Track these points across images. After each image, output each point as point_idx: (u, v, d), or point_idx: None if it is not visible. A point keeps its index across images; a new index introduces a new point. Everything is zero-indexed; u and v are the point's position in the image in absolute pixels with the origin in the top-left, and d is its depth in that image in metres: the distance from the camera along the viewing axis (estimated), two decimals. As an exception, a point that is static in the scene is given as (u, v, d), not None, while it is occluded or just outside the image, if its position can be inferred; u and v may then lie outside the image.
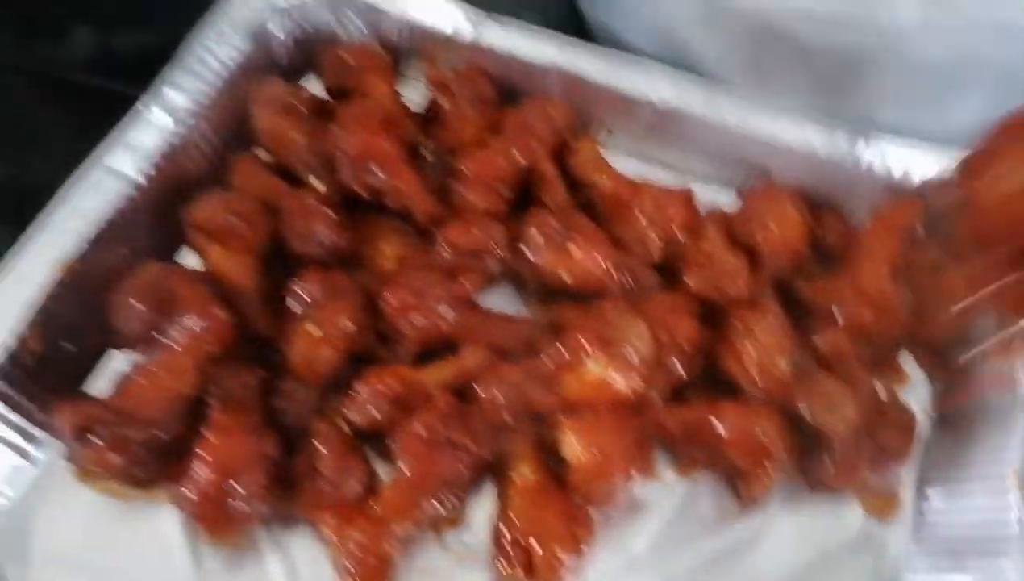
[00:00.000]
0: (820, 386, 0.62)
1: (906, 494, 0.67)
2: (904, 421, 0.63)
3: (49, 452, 0.63)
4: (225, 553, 0.61)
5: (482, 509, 0.64)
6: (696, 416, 0.64)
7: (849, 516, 0.66)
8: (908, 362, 0.72)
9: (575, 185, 0.77)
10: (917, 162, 0.72)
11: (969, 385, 0.68)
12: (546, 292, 0.70)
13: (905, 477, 0.67)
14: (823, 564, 0.64)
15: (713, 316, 0.68)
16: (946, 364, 0.71)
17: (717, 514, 0.66)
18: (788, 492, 0.66)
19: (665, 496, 0.66)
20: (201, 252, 0.68)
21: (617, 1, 0.85)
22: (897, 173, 0.73)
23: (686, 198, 0.73)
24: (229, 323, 0.62)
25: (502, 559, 0.58)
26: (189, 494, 0.57)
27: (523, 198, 0.75)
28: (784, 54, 0.75)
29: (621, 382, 0.62)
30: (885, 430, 0.62)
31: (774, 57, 0.76)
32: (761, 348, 0.63)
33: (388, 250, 0.74)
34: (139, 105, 0.70)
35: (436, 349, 0.67)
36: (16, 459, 0.62)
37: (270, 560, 0.61)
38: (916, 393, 0.71)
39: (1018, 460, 0.61)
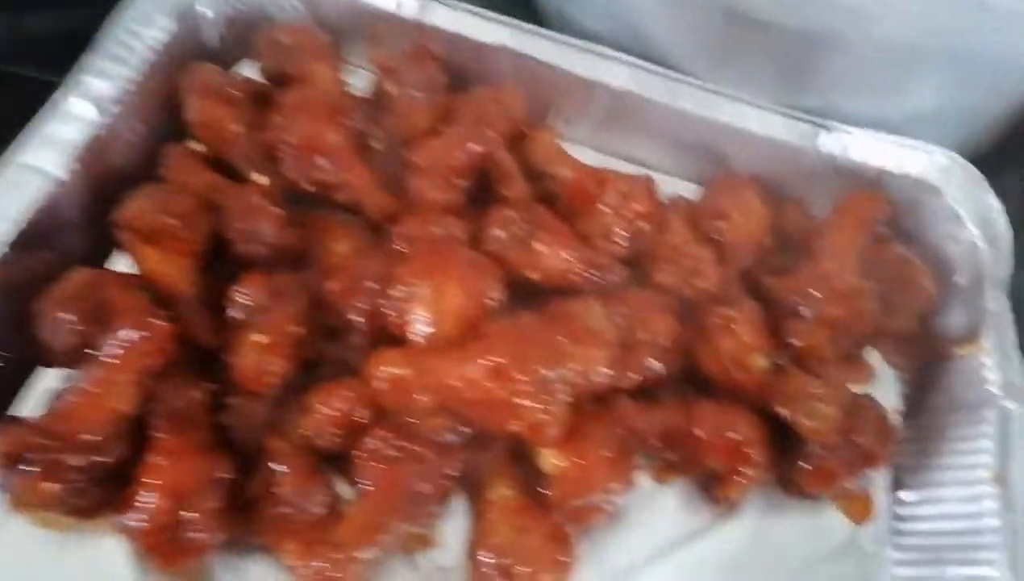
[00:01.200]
0: (799, 386, 0.60)
1: (880, 496, 0.67)
2: (882, 424, 0.63)
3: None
4: (174, 582, 0.56)
5: (454, 527, 0.61)
6: (672, 417, 0.62)
7: (827, 520, 0.66)
8: (874, 359, 0.72)
9: (533, 176, 0.73)
10: (878, 153, 0.72)
11: (938, 381, 0.68)
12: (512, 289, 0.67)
13: (878, 478, 0.67)
14: (804, 570, 0.63)
15: (686, 312, 0.66)
16: (914, 359, 0.71)
17: (696, 522, 0.64)
18: (765, 497, 0.65)
19: (643, 505, 0.64)
20: (134, 255, 0.62)
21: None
22: (858, 163, 0.72)
23: (649, 188, 0.71)
24: (170, 333, 0.57)
25: (482, 581, 0.55)
26: (137, 524, 0.52)
27: (479, 189, 0.72)
28: (745, 38, 0.73)
29: (587, 374, 0.59)
30: (863, 433, 0.61)
31: (735, 42, 0.74)
32: (739, 345, 0.62)
33: (338, 248, 0.69)
34: (56, 95, 0.63)
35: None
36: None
37: (221, 585, 0.57)
38: (884, 390, 0.70)
39: (991, 459, 0.61)
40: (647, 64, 0.74)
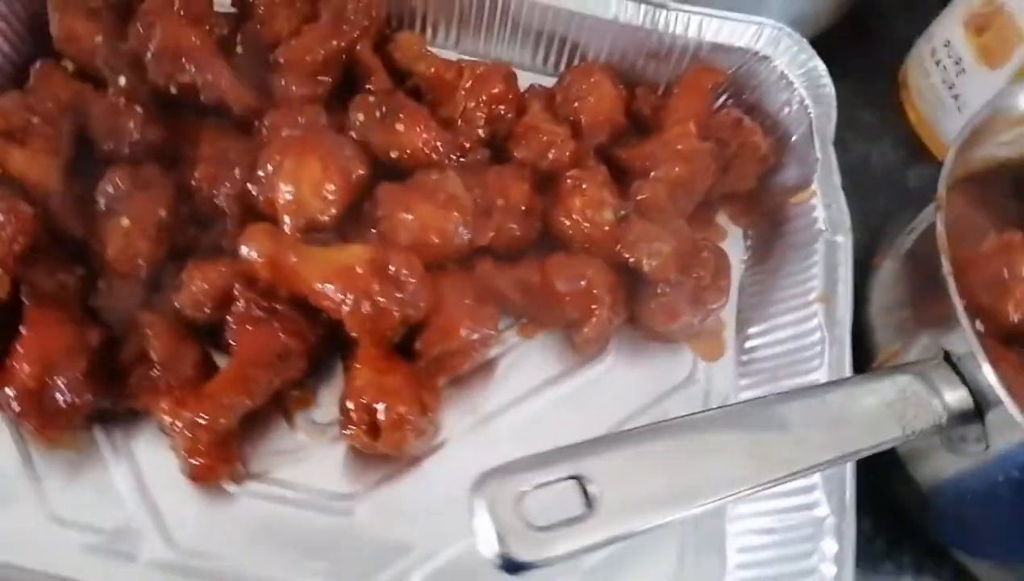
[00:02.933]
0: (638, 230, 0.65)
1: (729, 335, 0.72)
2: (719, 260, 0.68)
3: None
4: (64, 465, 0.59)
5: (330, 390, 0.64)
6: (529, 273, 0.67)
7: (680, 360, 0.70)
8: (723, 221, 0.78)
9: (398, 77, 0.77)
10: (713, 28, 0.77)
11: (777, 230, 0.74)
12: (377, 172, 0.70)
13: (728, 320, 0.72)
14: (655, 403, 0.68)
15: (542, 184, 0.70)
16: (756, 216, 0.77)
17: (559, 368, 0.68)
18: (621, 342, 0.70)
19: (509, 359, 0.68)
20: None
21: None
22: (696, 40, 0.77)
23: (506, 74, 0.75)
24: (33, 216, 0.59)
25: (349, 425, 0.58)
26: (9, 392, 0.54)
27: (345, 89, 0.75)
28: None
29: (446, 233, 0.63)
30: (702, 269, 0.66)
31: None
32: (587, 202, 0.66)
33: (204, 149, 0.71)
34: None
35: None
36: None
37: (113, 467, 0.59)
38: (733, 246, 0.76)
39: (819, 284, 0.66)
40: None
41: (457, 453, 0.63)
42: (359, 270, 0.57)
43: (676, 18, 0.76)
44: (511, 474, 0.40)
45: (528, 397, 0.66)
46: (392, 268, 0.58)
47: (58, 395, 0.55)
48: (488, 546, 0.38)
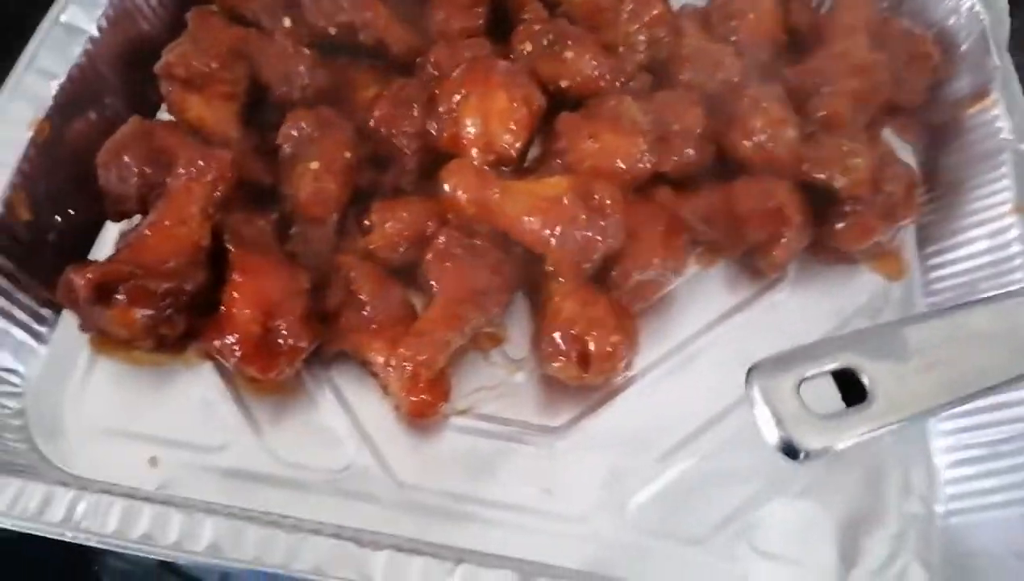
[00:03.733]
0: (829, 146, 0.63)
1: (910, 254, 0.70)
2: (906, 175, 0.65)
3: (60, 329, 0.60)
4: (272, 402, 0.60)
5: (519, 325, 0.64)
6: (711, 199, 0.65)
7: (862, 280, 0.69)
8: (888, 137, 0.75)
9: (549, 5, 0.75)
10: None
11: (952, 143, 0.71)
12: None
13: (907, 238, 0.70)
14: (841, 324, 0.67)
15: (712, 105, 0.68)
16: (926, 130, 0.74)
17: (742, 296, 0.68)
18: (801, 267, 0.68)
19: (692, 289, 0.67)
20: (179, 105, 0.63)
21: None
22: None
23: (660, -5, 0.72)
24: (231, 161, 0.59)
25: (558, 357, 0.58)
26: (231, 339, 0.55)
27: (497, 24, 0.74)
28: None
29: (631, 159, 0.62)
30: (892, 183, 0.64)
31: None
32: (769, 122, 0.64)
33: (368, 92, 0.71)
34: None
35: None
36: (25, 338, 0.58)
37: (320, 399, 0.60)
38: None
39: (1012, 195, 0.64)
40: None
41: (653, 383, 0.63)
42: (565, 201, 0.56)
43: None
44: (786, 364, 0.39)
45: (715, 325, 0.66)
46: (595, 199, 0.57)
47: (279, 339, 0.55)
48: (771, 433, 0.37)
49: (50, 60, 0.60)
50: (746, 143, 0.66)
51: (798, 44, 0.75)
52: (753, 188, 0.65)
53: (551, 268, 0.59)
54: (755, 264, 0.67)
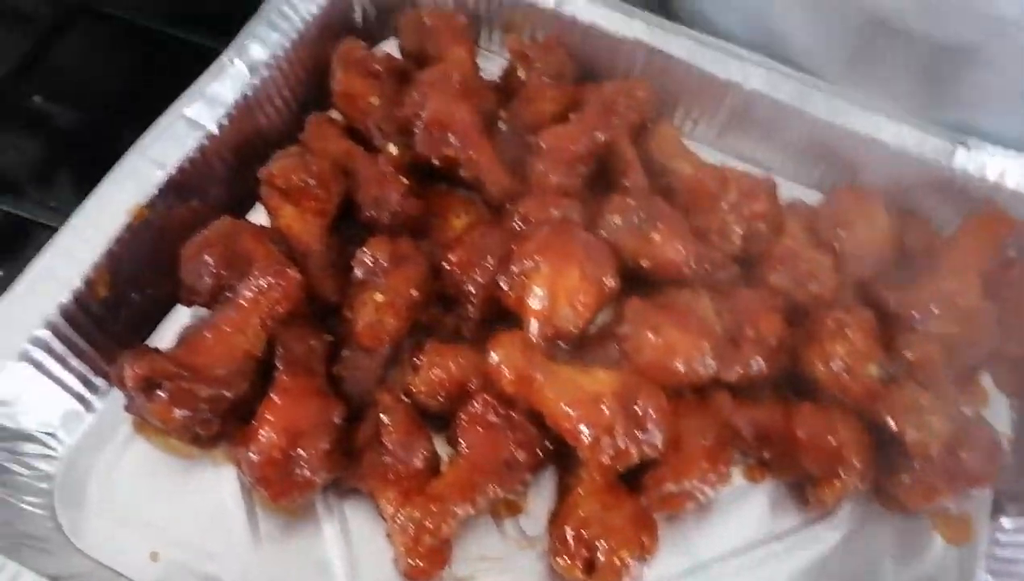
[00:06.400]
0: (910, 397, 0.59)
1: (980, 519, 0.64)
2: (989, 443, 0.60)
3: (107, 401, 0.62)
4: (281, 518, 0.60)
5: (542, 498, 0.62)
6: (771, 415, 0.62)
7: (920, 538, 0.64)
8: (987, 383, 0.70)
9: (652, 169, 0.74)
10: (1014, 173, 0.69)
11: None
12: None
13: (979, 500, 0.64)
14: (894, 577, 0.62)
15: (795, 316, 0.65)
16: (1027, 381, 0.68)
17: (785, 523, 0.63)
18: (857, 507, 0.64)
19: (732, 501, 0.64)
20: (273, 211, 0.66)
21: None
22: (992, 183, 0.70)
23: (769, 189, 0.70)
24: (300, 283, 0.60)
25: (564, 555, 0.56)
26: (254, 456, 0.56)
27: (598, 176, 0.73)
28: (886, 47, 0.72)
29: (692, 362, 0.60)
30: (969, 451, 0.59)
31: (874, 51, 0.73)
32: (851, 351, 0.61)
33: (456, 222, 0.72)
34: (222, 56, 0.68)
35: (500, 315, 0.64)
36: (74, 405, 0.61)
37: (327, 528, 0.60)
38: (994, 415, 0.68)
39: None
40: (781, 67, 0.74)
41: (666, 597, 0.60)
42: (605, 404, 0.55)
43: (979, 158, 0.69)
44: None
45: (747, 550, 0.62)
46: (639, 407, 0.55)
47: (298, 469, 0.56)
48: None
49: (163, 150, 0.64)
50: (821, 367, 0.62)
51: (907, 263, 0.71)
52: (818, 417, 0.61)
53: (581, 456, 0.57)
54: (803, 494, 0.62)
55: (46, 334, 0.57)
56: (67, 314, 0.58)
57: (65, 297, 0.58)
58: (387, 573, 0.59)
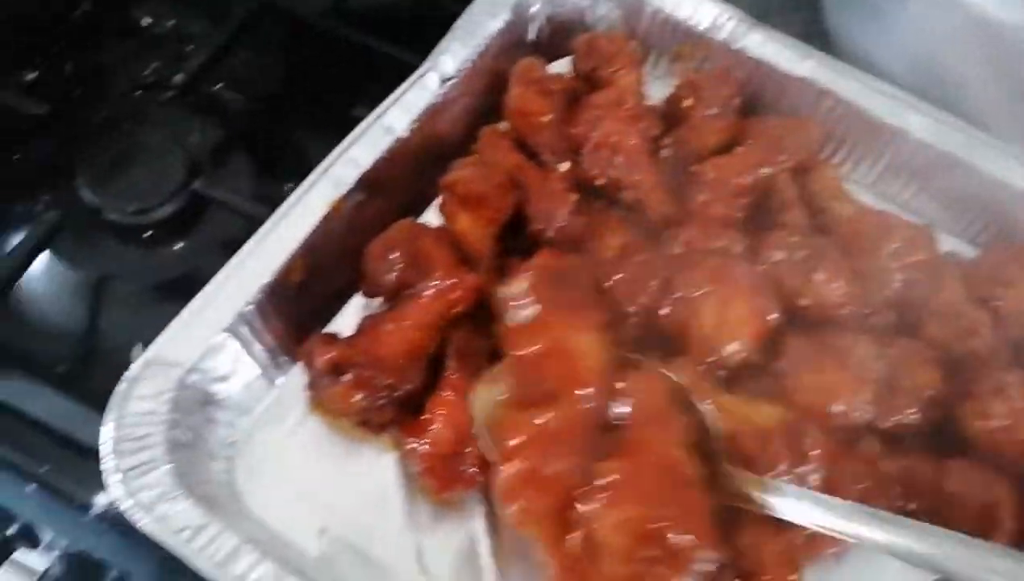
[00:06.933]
0: (1069, 462, 0.59)
1: None
2: None
3: (287, 378, 0.67)
4: (435, 507, 0.63)
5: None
6: (921, 467, 0.63)
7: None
8: None
9: (810, 208, 0.75)
10: None
11: None
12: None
13: None
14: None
15: (950, 370, 0.66)
16: None
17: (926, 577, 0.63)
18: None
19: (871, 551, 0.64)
20: (449, 216, 0.70)
21: (880, 24, 0.82)
22: None
23: (931, 240, 0.71)
24: (477, 286, 0.64)
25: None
26: (423, 448, 0.60)
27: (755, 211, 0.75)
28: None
29: (851, 405, 0.61)
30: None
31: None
32: (1011, 411, 0.61)
33: (612, 241, 0.74)
34: (421, 69, 0.72)
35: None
36: (261, 380, 0.66)
37: (477, 520, 0.63)
38: None
39: None
40: (950, 117, 0.74)
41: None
42: (770, 437, 0.56)
43: None
44: None
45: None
46: (807, 443, 0.56)
47: (464, 466, 0.59)
48: None
49: (361, 152, 0.68)
50: (978, 423, 0.62)
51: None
52: (972, 473, 0.61)
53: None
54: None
55: (251, 311, 0.62)
56: (268, 294, 0.63)
57: (267, 278, 0.62)
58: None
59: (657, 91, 0.83)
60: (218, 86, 0.92)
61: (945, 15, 0.75)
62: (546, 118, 0.76)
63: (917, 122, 0.75)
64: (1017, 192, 0.73)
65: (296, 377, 0.67)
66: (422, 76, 0.72)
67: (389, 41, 0.90)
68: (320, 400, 0.65)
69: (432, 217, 0.73)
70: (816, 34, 0.91)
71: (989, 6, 0.71)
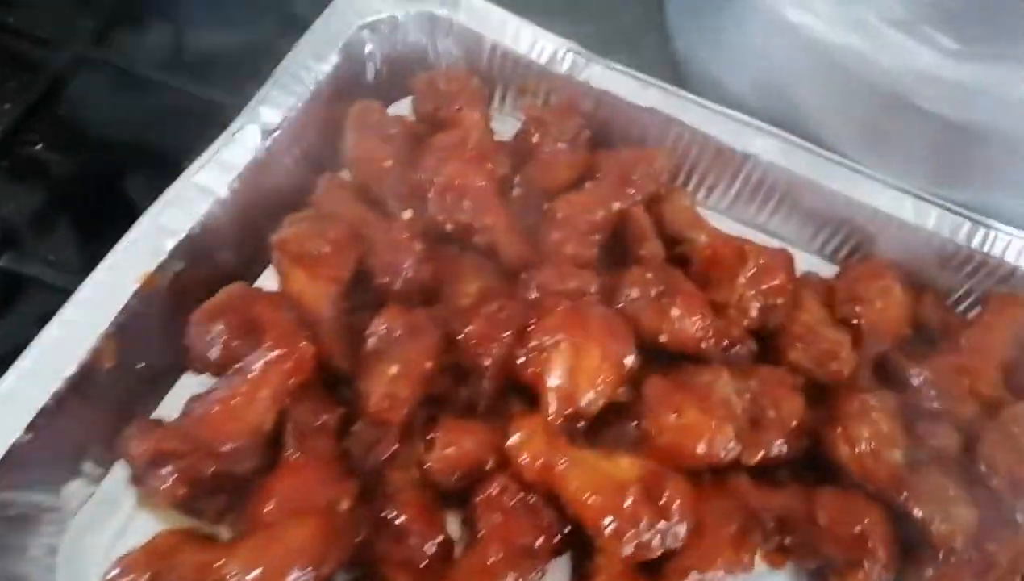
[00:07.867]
0: (935, 485, 0.58)
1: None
2: (1016, 541, 0.59)
3: (112, 474, 0.61)
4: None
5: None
6: (792, 500, 0.61)
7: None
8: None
9: (667, 238, 0.73)
10: (1031, 256, 0.69)
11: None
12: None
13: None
14: None
15: (814, 394, 0.64)
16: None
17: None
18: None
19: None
20: (284, 276, 0.65)
21: (724, 49, 0.82)
22: (1012, 265, 0.70)
23: (787, 262, 0.70)
24: (313, 355, 0.59)
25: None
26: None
27: (612, 245, 0.73)
28: (904, 125, 0.72)
29: (714, 445, 0.59)
30: (997, 547, 0.58)
31: (892, 127, 0.73)
32: (876, 434, 0.60)
33: (469, 288, 0.70)
34: (235, 123, 0.66)
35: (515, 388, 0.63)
36: (79, 478, 0.59)
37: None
38: None
39: None
40: (796, 139, 0.74)
41: None
42: (630, 494, 0.53)
43: (996, 238, 0.69)
44: None
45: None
46: (665, 497, 0.53)
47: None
48: None
49: (173, 217, 0.62)
50: (846, 449, 0.61)
51: (923, 337, 0.71)
52: (841, 502, 0.60)
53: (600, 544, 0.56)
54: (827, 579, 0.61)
55: (52, 407, 0.55)
56: (73, 386, 0.56)
57: (71, 370, 0.56)
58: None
59: (507, 128, 0.80)
60: (37, 147, 0.84)
61: (781, 39, 0.75)
62: (387, 164, 0.71)
63: (764, 145, 0.74)
64: (868, 208, 0.73)
65: (123, 472, 0.60)
66: (239, 131, 0.66)
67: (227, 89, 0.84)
68: (148, 494, 0.58)
69: (269, 281, 0.67)
70: (667, 60, 0.90)
71: (819, 28, 0.71)
